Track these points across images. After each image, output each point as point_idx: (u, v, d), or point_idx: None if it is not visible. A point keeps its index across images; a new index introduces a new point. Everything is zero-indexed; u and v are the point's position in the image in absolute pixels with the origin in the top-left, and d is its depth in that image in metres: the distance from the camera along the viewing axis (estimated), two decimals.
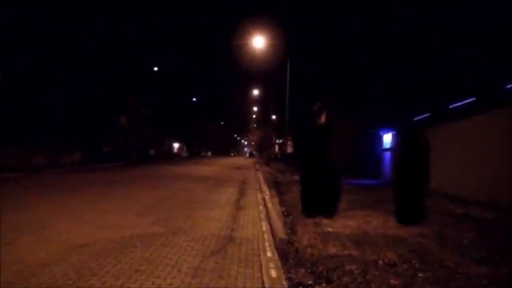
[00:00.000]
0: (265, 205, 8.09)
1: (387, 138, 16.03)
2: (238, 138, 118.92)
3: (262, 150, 60.24)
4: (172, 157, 49.56)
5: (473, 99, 9.35)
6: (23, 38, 20.54)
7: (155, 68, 42.21)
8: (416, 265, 3.85)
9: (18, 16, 20.10)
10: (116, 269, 3.70)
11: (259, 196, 10.10)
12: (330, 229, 5.42)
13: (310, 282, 3.52)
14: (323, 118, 6.90)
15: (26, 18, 20.57)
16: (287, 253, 4.51)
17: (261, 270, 3.93)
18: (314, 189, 6.31)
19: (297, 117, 26.05)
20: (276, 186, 12.64)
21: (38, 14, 21.17)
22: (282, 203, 8.72)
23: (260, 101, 53.41)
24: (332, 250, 4.37)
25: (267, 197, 9.05)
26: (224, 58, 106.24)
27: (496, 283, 3.49)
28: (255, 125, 69.07)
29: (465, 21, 14.84)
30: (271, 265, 4.07)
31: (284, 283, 3.55)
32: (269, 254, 4.54)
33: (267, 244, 5.00)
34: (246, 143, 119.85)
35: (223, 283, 3.51)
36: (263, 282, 3.59)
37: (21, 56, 20.43)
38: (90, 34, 26.00)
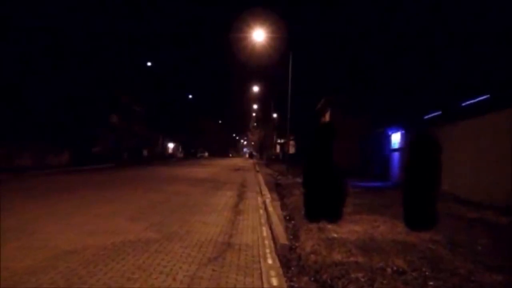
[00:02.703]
0: (265, 209, 8.09)
1: (396, 138, 16.01)
2: (237, 138, 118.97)
3: (263, 150, 60.23)
4: (166, 158, 49.60)
5: (487, 96, 9.33)
6: (10, 32, 20.50)
7: (149, 63, 42.20)
8: (427, 273, 3.83)
9: (5, 8, 20.06)
10: (107, 277, 3.69)
11: (259, 199, 10.10)
12: (335, 235, 5.41)
13: None
14: (327, 117, 6.90)
15: (14, 11, 20.54)
16: (289, 260, 4.51)
17: (261, 278, 3.92)
18: (318, 192, 6.30)
19: (299, 115, 26.09)
20: (278, 189, 12.65)
21: (27, 8, 21.14)
22: (283, 207, 8.72)
23: (260, 99, 53.43)
24: (337, 257, 4.35)
25: (267, 201, 9.04)
26: (223, 54, 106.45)
27: None
28: (255, 124, 69.03)
29: (477, 16, 14.84)
30: (272, 273, 4.07)
31: None
32: (270, 261, 4.54)
33: (267, 250, 4.99)
34: (245, 143, 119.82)
35: None
36: None
37: (7, 51, 20.38)
38: (81, 29, 25.98)
